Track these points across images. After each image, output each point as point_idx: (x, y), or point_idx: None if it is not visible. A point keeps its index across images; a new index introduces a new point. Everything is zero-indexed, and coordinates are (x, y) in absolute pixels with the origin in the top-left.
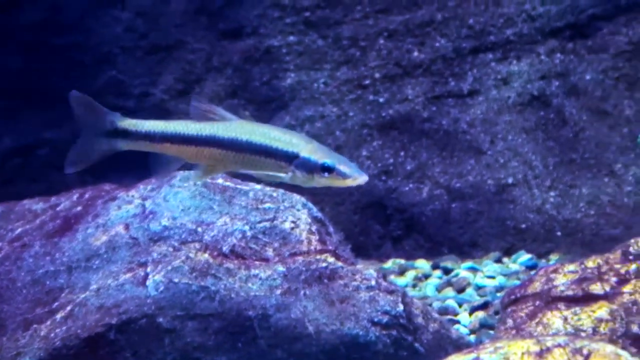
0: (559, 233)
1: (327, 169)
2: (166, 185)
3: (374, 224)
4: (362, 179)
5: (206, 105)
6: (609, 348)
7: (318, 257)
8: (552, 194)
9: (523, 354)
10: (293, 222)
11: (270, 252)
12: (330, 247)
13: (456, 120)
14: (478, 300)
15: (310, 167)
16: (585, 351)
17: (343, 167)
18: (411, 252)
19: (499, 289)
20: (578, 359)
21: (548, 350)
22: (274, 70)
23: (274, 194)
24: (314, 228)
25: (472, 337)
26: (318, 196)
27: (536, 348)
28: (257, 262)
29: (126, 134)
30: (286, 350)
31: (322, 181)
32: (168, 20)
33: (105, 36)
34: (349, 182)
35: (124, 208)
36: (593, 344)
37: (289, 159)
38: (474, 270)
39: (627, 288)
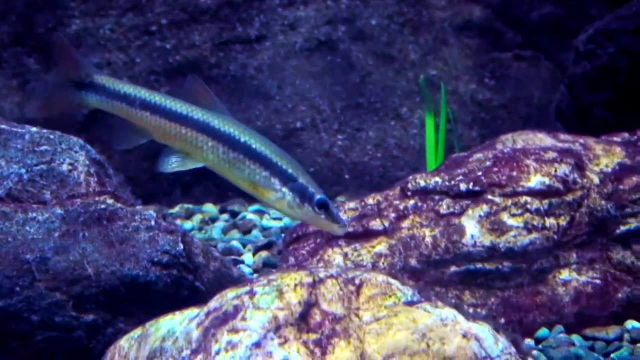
0: (347, 176)
1: (323, 206)
2: None
3: None
4: (344, 230)
5: (202, 88)
6: (381, 277)
7: (97, 198)
8: (339, 137)
9: (296, 285)
10: (71, 164)
11: (47, 195)
12: (109, 189)
13: (244, 65)
14: (262, 240)
15: (305, 197)
16: (357, 281)
17: (336, 211)
18: (200, 198)
19: (284, 229)
20: (350, 288)
21: (321, 281)
22: (58, 16)
23: (51, 136)
24: (92, 170)
25: (255, 276)
26: (105, 143)
27: (309, 279)
28: (34, 205)
29: (101, 90)
30: (65, 292)
31: (309, 214)
32: None
33: None
34: (335, 228)
35: None
36: (365, 274)
37: (286, 179)
38: (260, 213)
39: (405, 223)
